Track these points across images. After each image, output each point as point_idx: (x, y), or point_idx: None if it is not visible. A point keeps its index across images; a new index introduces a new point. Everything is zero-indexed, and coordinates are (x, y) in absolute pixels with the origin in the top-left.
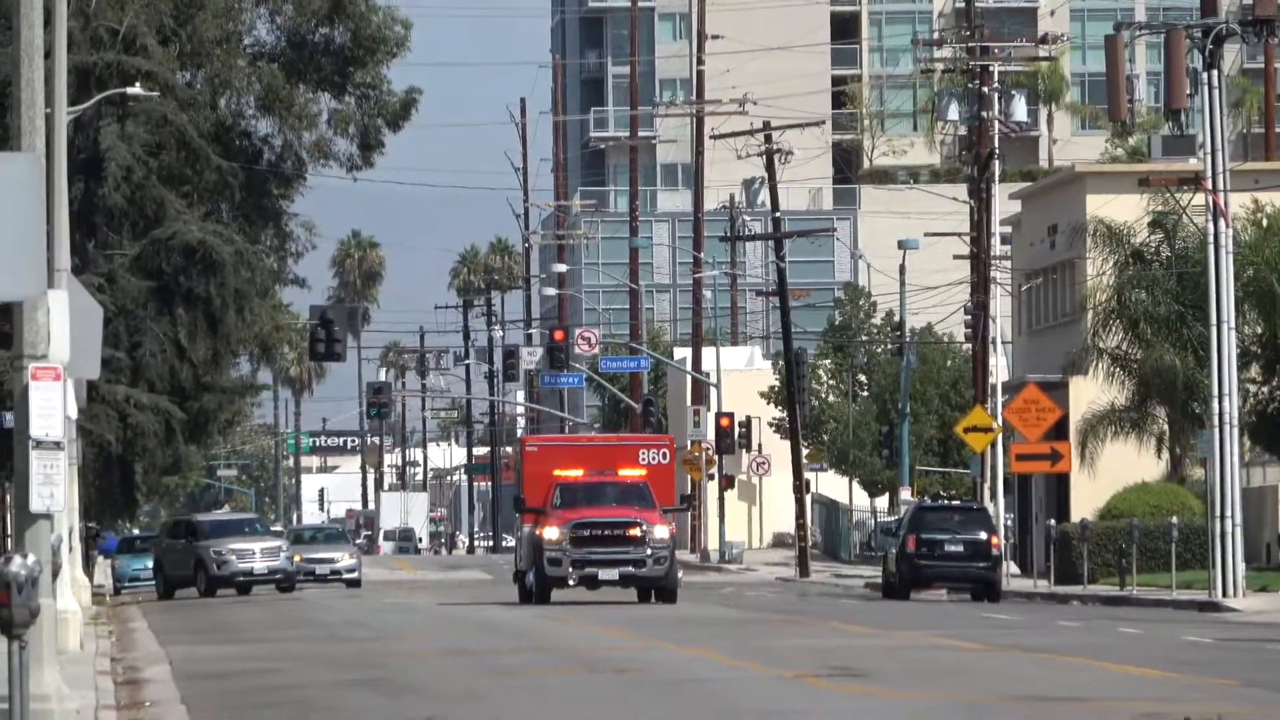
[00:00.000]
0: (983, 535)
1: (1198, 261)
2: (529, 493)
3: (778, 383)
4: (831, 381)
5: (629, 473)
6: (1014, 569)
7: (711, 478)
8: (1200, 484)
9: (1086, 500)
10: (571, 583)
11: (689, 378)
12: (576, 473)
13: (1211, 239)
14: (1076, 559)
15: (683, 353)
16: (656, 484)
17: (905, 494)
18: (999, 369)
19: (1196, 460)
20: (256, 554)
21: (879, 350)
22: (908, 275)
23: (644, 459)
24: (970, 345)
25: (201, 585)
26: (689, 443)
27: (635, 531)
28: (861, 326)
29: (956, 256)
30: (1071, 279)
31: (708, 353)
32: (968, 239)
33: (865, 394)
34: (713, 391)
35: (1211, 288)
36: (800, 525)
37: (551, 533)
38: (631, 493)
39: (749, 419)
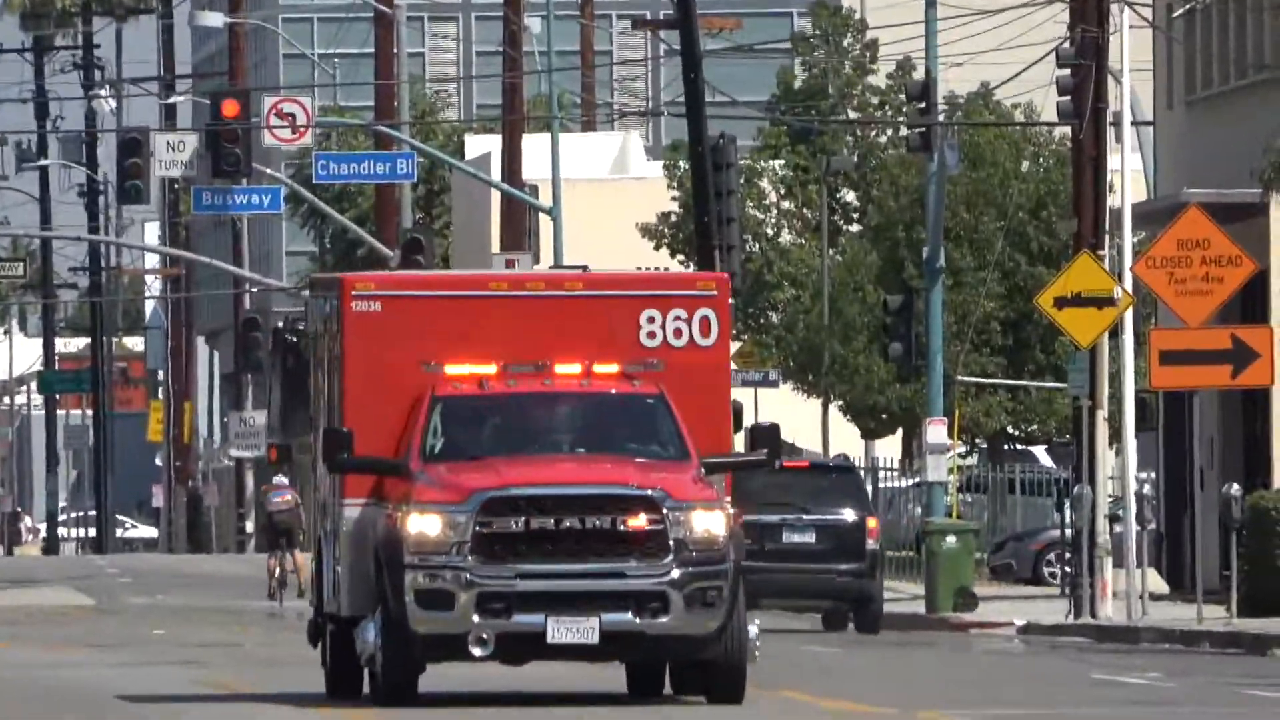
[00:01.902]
0: (848, 516)
1: None
2: (356, 416)
3: (677, 207)
4: (786, 203)
5: (608, 369)
6: (1156, 581)
7: None
8: None
9: None
10: (478, 650)
11: (496, 197)
12: (484, 369)
13: None
14: None
15: (484, 145)
16: (688, 394)
17: (936, 430)
18: (1127, 178)
19: None
20: None
21: (883, 139)
22: None
23: (654, 330)
24: (1070, 129)
25: None
26: None
27: (636, 519)
28: (849, 91)
29: None
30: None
31: (535, 145)
32: None
33: (855, 229)
34: (545, 224)
35: None
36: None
37: (426, 522)
38: (622, 419)
39: None
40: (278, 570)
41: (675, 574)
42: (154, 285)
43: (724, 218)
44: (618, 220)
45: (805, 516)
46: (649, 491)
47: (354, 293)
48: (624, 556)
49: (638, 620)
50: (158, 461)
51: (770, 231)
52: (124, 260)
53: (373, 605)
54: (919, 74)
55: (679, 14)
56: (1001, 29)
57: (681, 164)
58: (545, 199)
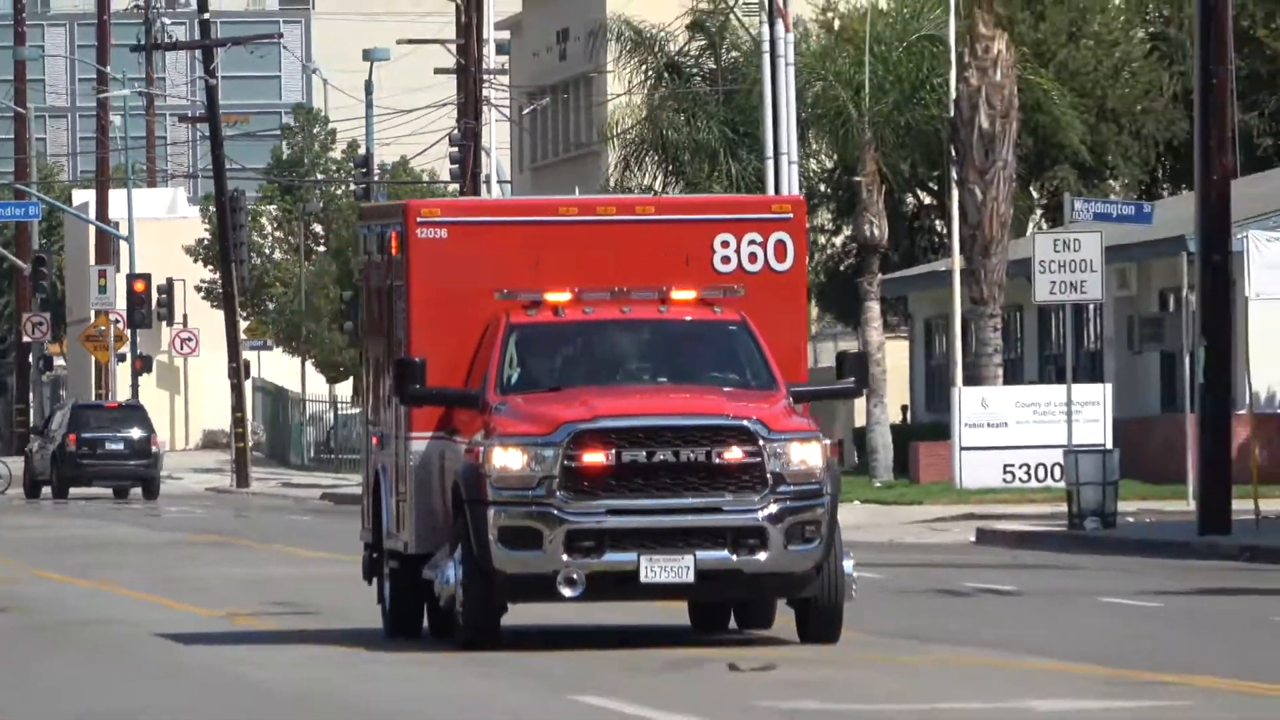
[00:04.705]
0: (140, 433)
1: (750, 76)
2: (423, 346)
3: (208, 235)
4: (278, 233)
5: (686, 295)
6: None
7: (122, 359)
8: None
9: None
10: (568, 591)
11: (92, 229)
12: (559, 296)
13: (767, 47)
14: None
15: (84, 196)
16: (763, 321)
17: None
18: None
19: None
20: None
21: (339, 193)
22: (376, 95)
23: (728, 256)
24: (458, 186)
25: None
26: (92, 313)
27: (732, 452)
28: (318, 162)
29: (439, 71)
30: (589, 99)
31: (117, 197)
32: (453, 48)
33: (322, 249)
34: (124, 247)
35: (767, 110)
36: (238, 421)
37: (510, 456)
38: (705, 347)
39: (171, 282)
40: None
41: (773, 509)
42: None
43: (238, 242)
44: (172, 245)
45: (117, 434)
46: (745, 422)
47: (419, 219)
48: (719, 491)
49: (734, 558)
50: None
51: (268, 250)
52: None
53: (440, 542)
54: (362, 151)
55: (209, 112)
56: (413, 119)
57: (211, 208)
58: (124, 230)
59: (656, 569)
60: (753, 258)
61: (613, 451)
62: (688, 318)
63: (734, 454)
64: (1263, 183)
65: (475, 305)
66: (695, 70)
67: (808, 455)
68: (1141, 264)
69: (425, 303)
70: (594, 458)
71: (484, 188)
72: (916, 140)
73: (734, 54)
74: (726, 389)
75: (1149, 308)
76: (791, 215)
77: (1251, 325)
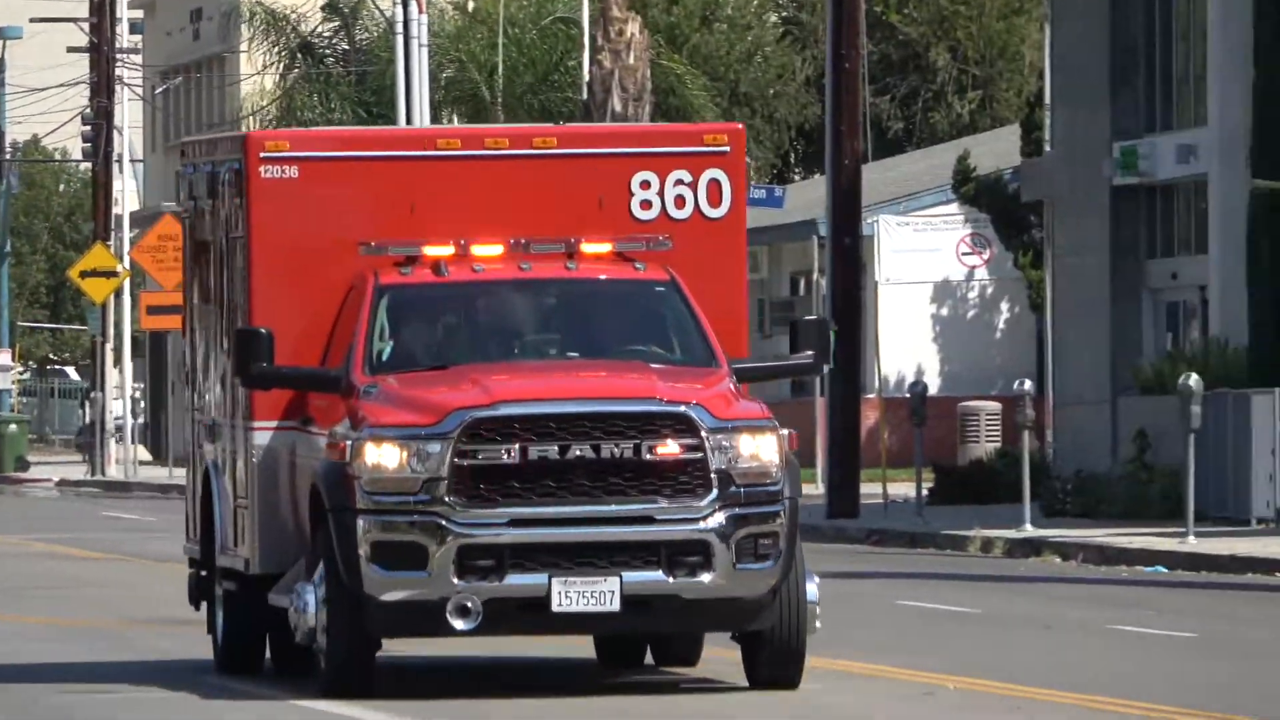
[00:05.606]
0: None
1: (384, 57)
2: (268, 314)
3: None
4: None
5: (600, 248)
6: (145, 454)
7: None
8: None
9: None
10: (460, 623)
11: None
12: (440, 250)
13: (400, 28)
14: None
15: None
16: (704, 278)
17: (3, 358)
18: (126, 196)
19: None
20: None
21: None
22: (9, 73)
23: (649, 199)
24: (90, 165)
25: None
26: None
27: (666, 446)
28: None
29: (72, 49)
30: (223, 79)
31: None
32: (87, 26)
33: None
34: None
35: (400, 91)
36: None
37: (386, 453)
38: (625, 313)
39: None
40: None
41: (719, 517)
42: None
43: None
44: None
45: None
46: (683, 407)
47: (263, 154)
48: (651, 495)
49: (671, 579)
50: None
51: None
52: None
53: (290, 559)
54: None
55: None
56: (48, 99)
57: None
58: None
59: (572, 594)
60: (680, 201)
61: (516, 446)
62: (602, 276)
63: (669, 448)
64: (893, 167)
65: (335, 262)
66: (329, 51)
67: (761, 449)
68: (773, 247)
69: (271, 259)
70: (493, 454)
71: (115, 167)
72: (550, 122)
73: (367, 35)
74: (655, 365)
75: (780, 291)
76: (729, 149)
77: (881, 309)
